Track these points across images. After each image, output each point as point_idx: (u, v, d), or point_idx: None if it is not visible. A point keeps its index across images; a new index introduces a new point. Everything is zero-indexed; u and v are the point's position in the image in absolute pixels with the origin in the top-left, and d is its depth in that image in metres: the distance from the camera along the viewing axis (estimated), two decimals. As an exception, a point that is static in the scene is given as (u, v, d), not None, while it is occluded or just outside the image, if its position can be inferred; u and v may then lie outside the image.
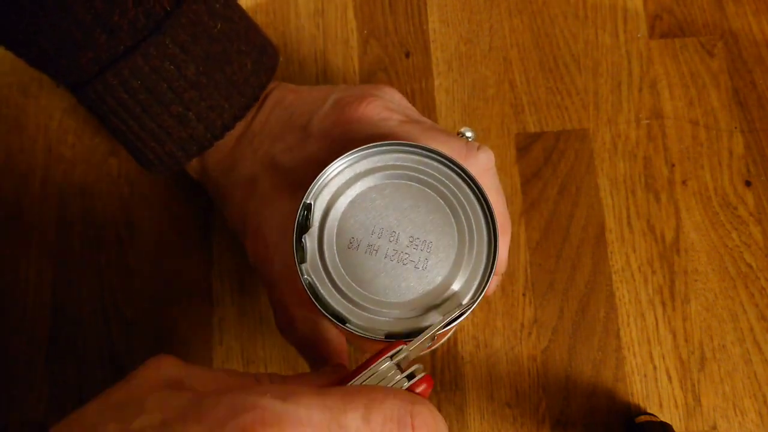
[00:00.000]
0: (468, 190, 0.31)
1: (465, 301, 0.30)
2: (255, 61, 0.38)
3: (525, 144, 0.49)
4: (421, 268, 0.30)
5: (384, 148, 0.32)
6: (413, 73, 0.50)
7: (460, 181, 0.31)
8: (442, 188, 0.31)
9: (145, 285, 0.46)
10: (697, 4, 0.51)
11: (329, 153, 0.34)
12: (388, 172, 0.31)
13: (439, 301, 0.30)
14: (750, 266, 0.46)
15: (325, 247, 0.31)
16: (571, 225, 0.47)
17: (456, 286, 0.30)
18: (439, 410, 0.44)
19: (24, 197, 0.48)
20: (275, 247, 0.35)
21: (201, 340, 0.45)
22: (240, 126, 0.39)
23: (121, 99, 0.36)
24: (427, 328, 0.29)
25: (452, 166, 0.31)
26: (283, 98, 0.39)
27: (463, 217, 0.31)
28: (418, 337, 0.28)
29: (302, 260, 0.31)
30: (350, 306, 0.30)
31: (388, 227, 0.31)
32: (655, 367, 0.45)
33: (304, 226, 0.31)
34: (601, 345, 0.45)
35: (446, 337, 0.44)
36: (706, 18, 0.51)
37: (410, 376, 0.27)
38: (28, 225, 0.47)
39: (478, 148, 0.35)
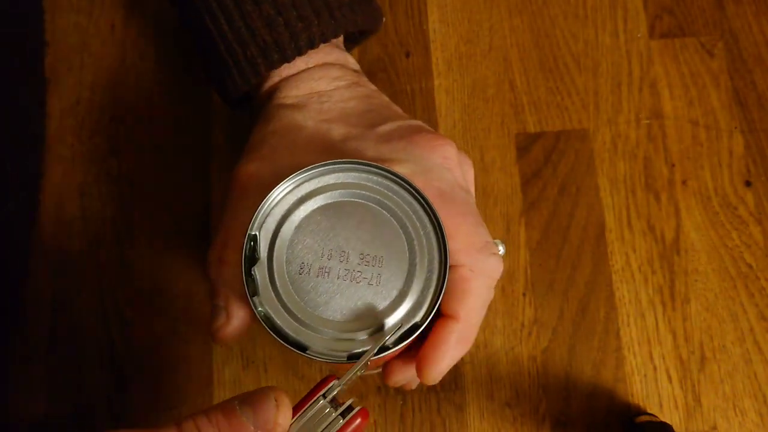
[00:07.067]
0: (412, 200, 0.31)
1: (419, 318, 0.30)
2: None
3: (525, 144, 0.49)
4: (375, 284, 0.30)
5: (322, 169, 0.31)
6: (413, 73, 0.50)
7: (404, 192, 0.31)
8: (386, 201, 0.31)
9: (145, 285, 0.46)
10: (697, 4, 0.51)
11: (376, 154, 0.34)
12: (330, 192, 0.31)
13: (397, 316, 0.30)
14: (750, 266, 0.46)
15: (276, 276, 0.30)
16: (571, 225, 0.47)
17: (411, 300, 0.30)
18: (439, 410, 0.44)
19: (24, 197, 0.48)
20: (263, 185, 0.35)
21: (201, 340, 0.45)
22: (322, 75, 0.39)
23: None
24: (383, 348, 0.29)
25: (394, 178, 0.31)
26: (370, 95, 0.39)
27: (410, 228, 0.31)
28: (351, 369, 0.28)
29: (254, 293, 0.30)
30: (308, 332, 0.30)
31: (337, 247, 0.30)
32: (655, 368, 0.45)
33: (252, 258, 0.30)
34: (601, 345, 0.45)
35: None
36: (706, 18, 0.51)
37: (347, 411, 0.27)
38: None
39: (493, 254, 0.34)
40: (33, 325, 0.45)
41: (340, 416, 0.26)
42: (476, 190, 0.48)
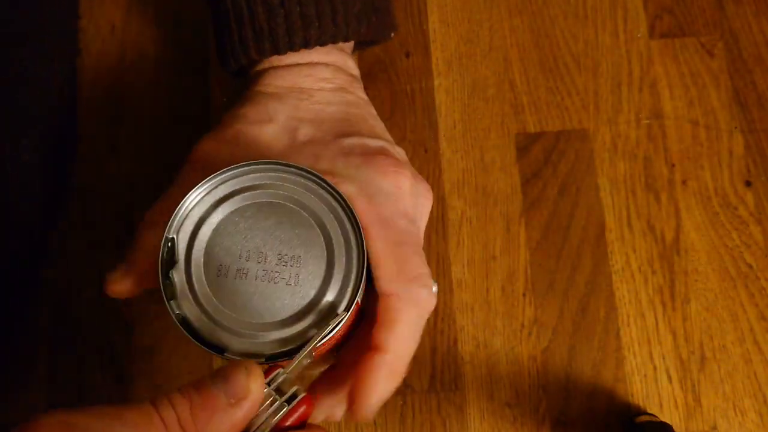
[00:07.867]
0: (330, 198, 0.31)
1: (340, 311, 0.30)
2: (363, 10, 0.39)
3: (525, 144, 0.49)
4: (293, 284, 0.30)
5: (240, 170, 0.31)
6: (413, 73, 0.50)
7: (323, 192, 0.31)
8: (305, 201, 0.31)
9: (145, 285, 0.46)
10: (697, 4, 0.51)
11: (330, 165, 0.34)
12: (247, 193, 0.31)
13: (316, 315, 0.30)
14: (750, 266, 0.46)
15: (194, 279, 0.30)
16: (571, 225, 0.47)
17: (330, 297, 0.30)
18: (439, 410, 0.44)
19: (24, 197, 0.48)
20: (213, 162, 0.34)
21: (201, 340, 0.45)
22: (310, 73, 0.39)
23: None
24: (305, 344, 0.29)
25: (310, 176, 0.31)
26: (353, 104, 0.39)
27: (328, 227, 0.31)
28: (295, 357, 0.28)
29: (172, 296, 0.30)
30: (228, 335, 0.29)
31: (255, 248, 0.30)
32: (655, 368, 0.45)
33: (170, 262, 0.30)
34: (601, 345, 0.45)
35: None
36: (706, 18, 0.51)
37: (292, 398, 0.27)
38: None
39: (425, 286, 0.33)
40: (33, 326, 0.45)
41: (285, 403, 0.27)
42: (476, 190, 0.48)
